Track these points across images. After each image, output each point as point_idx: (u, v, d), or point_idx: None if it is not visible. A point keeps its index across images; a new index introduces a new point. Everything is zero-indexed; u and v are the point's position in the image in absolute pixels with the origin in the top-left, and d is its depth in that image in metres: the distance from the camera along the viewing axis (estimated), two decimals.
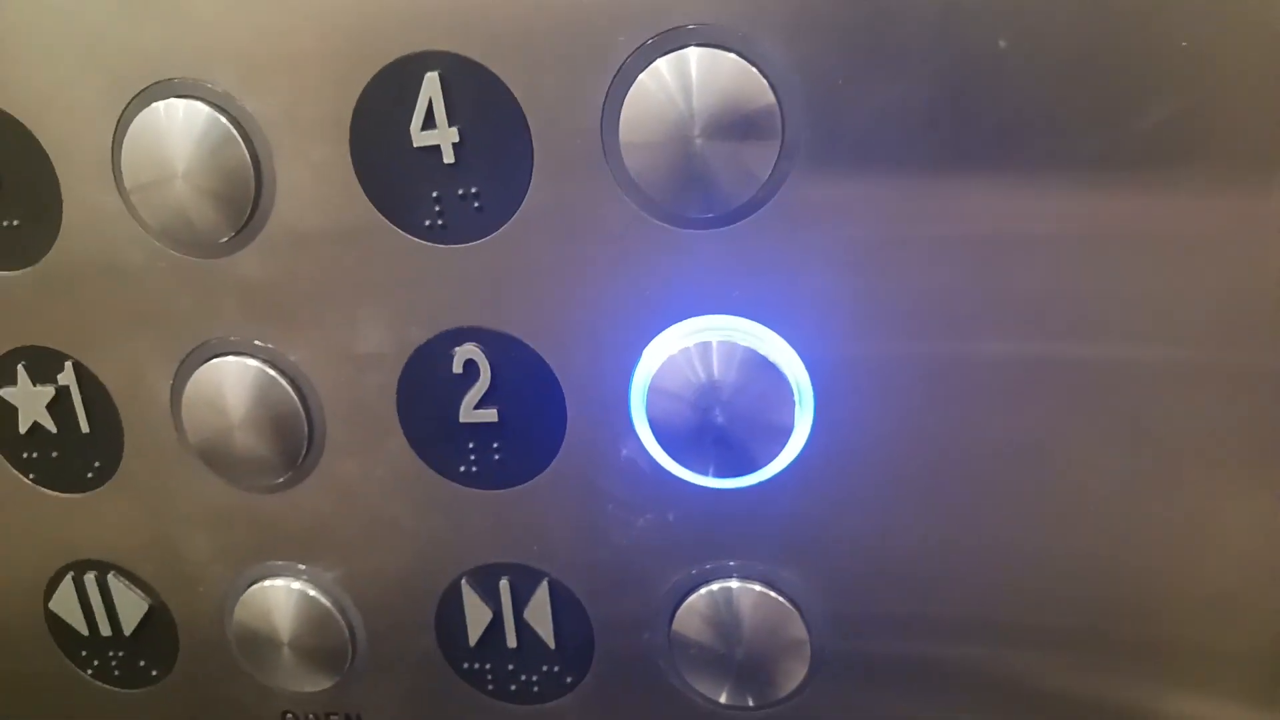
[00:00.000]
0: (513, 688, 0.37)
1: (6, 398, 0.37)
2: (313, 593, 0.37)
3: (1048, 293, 0.28)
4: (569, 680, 0.36)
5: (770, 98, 0.28)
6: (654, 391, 0.31)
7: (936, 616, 0.33)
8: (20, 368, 0.36)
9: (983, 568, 0.32)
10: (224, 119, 0.31)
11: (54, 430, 0.37)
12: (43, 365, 0.36)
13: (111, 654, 0.41)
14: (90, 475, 0.38)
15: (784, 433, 0.31)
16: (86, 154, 0.33)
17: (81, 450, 0.37)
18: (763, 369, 0.30)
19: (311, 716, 0.40)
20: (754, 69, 0.27)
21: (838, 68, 0.27)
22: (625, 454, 0.33)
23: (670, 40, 0.28)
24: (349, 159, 0.31)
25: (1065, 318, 0.29)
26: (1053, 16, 0.26)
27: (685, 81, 0.28)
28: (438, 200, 0.31)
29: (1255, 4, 0.25)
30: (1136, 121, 0.26)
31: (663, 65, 0.28)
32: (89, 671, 0.42)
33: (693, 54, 0.28)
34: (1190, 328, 0.28)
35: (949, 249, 0.29)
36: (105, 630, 0.40)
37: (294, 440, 0.35)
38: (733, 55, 0.27)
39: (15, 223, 0.34)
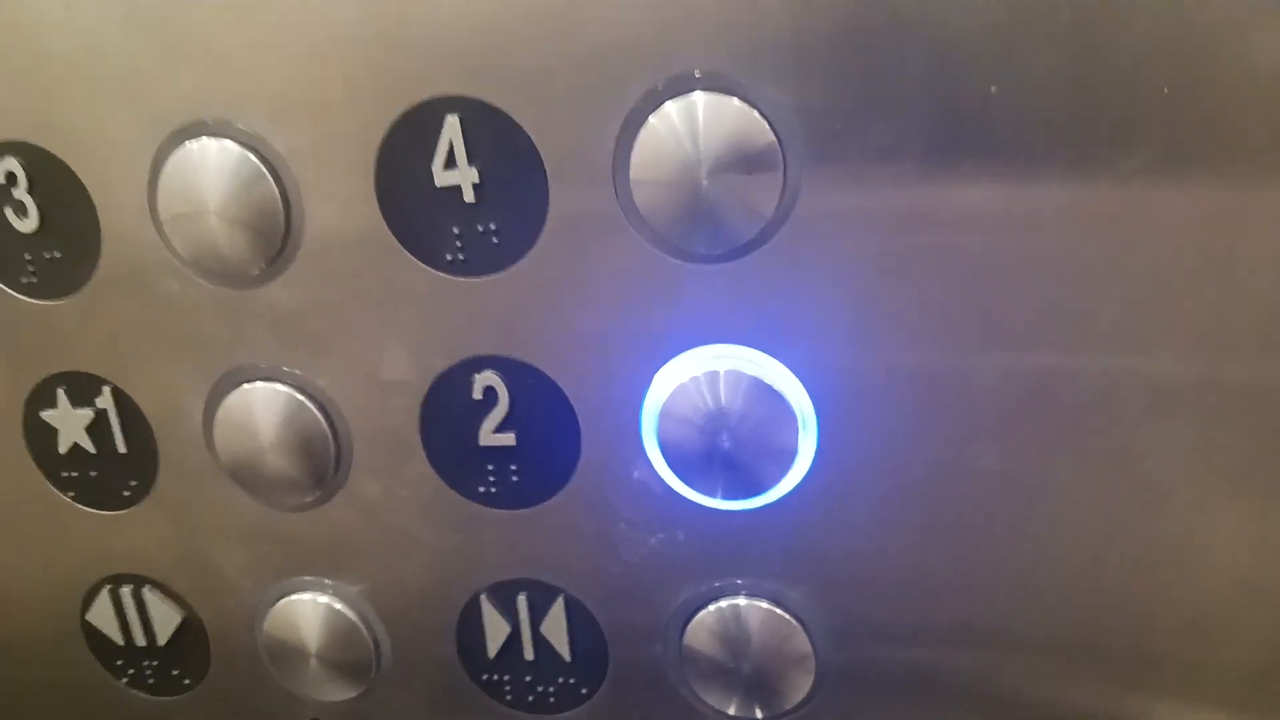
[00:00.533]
0: (530, 698, 0.38)
1: (47, 420, 0.38)
2: (339, 606, 0.39)
3: (1040, 321, 0.30)
4: (584, 691, 0.38)
5: (773, 140, 0.29)
6: (664, 417, 0.32)
7: (934, 630, 0.34)
8: (61, 391, 0.38)
9: (979, 583, 0.33)
10: (254, 158, 0.33)
11: (92, 451, 0.39)
12: (82, 389, 0.38)
13: (146, 663, 0.43)
14: (126, 494, 0.39)
15: (789, 456, 0.32)
16: (124, 190, 0.34)
17: (118, 470, 0.39)
18: (768, 396, 0.31)
19: None
20: (757, 114, 0.29)
21: (837, 113, 0.29)
22: (637, 476, 0.34)
23: (678, 86, 0.29)
24: (374, 196, 0.32)
25: (1058, 336, 0.30)
26: (1041, 64, 0.27)
27: (693, 125, 0.29)
28: (458, 236, 0.32)
29: (1233, 51, 0.26)
30: (1124, 161, 0.28)
31: (671, 109, 0.29)
32: (124, 680, 0.43)
33: (699, 99, 0.29)
34: (1179, 345, 0.29)
35: (943, 281, 0.30)
36: (140, 641, 0.42)
37: (321, 461, 0.36)
38: (737, 100, 0.29)
39: (57, 254, 0.36)
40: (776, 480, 0.32)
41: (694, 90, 0.29)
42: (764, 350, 0.32)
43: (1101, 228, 0.28)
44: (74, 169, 0.34)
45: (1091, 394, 0.30)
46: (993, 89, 0.28)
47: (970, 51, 0.27)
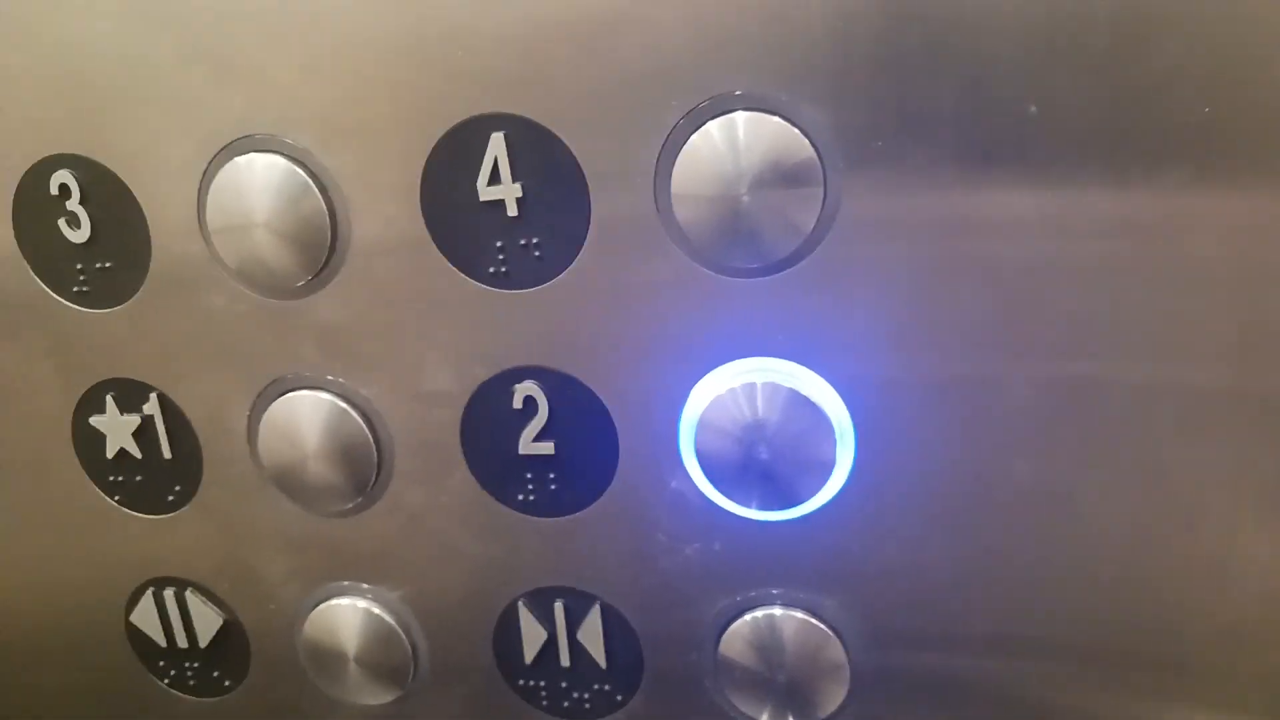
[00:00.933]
0: (566, 704, 0.39)
1: (96, 426, 0.39)
2: (378, 611, 0.39)
3: (1076, 335, 0.30)
4: (619, 698, 0.38)
5: (813, 158, 0.29)
6: (702, 428, 0.33)
7: (968, 640, 0.34)
8: (109, 398, 0.39)
9: (1013, 593, 0.33)
10: (302, 173, 0.33)
11: (139, 456, 0.39)
12: (130, 396, 0.39)
13: (187, 665, 0.43)
14: (171, 498, 0.40)
15: (825, 468, 0.32)
16: (174, 202, 0.35)
17: (163, 475, 0.40)
18: (805, 408, 0.32)
19: None
20: (797, 131, 0.29)
21: (875, 131, 0.29)
22: (674, 486, 0.34)
23: (720, 104, 0.30)
24: (419, 211, 0.33)
25: (1091, 359, 0.30)
26: (1077, 83, 0.27)
27: (733, 141, 0.29)
28: (501, 250, 0.33)
29: (1265, 69, 0.27)
30: (1161, 176, 0.28)
31: (713, 127, 0.30)
32: (166, 681, 0.44)
33: (740, 118, 0.29)
34: (1215, 357, 0.29)
35: (980, 294, 0.30)
36: (182, 643, 0.43)
37: (364, 469, 0.37)
38: (777, 118, 0.29)
39: (108, 264, 0.37)
40: (813, 492, 0.33)
41: (735, 108, 0.29)
42: (802, 363, 0.32)
43: (1138, 240, 0.29)
44: (126, 182, 0.35)
45: (1127, 405, 0.30)
46: (1032, 109, 0.28)
47: (1007, 70, 0.28)
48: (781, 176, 0.29)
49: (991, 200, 0.29)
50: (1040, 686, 0.34)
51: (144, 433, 0.39)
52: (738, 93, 0.29)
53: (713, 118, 0.30)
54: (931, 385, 0.31)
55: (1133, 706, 0.34)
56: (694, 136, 0.30)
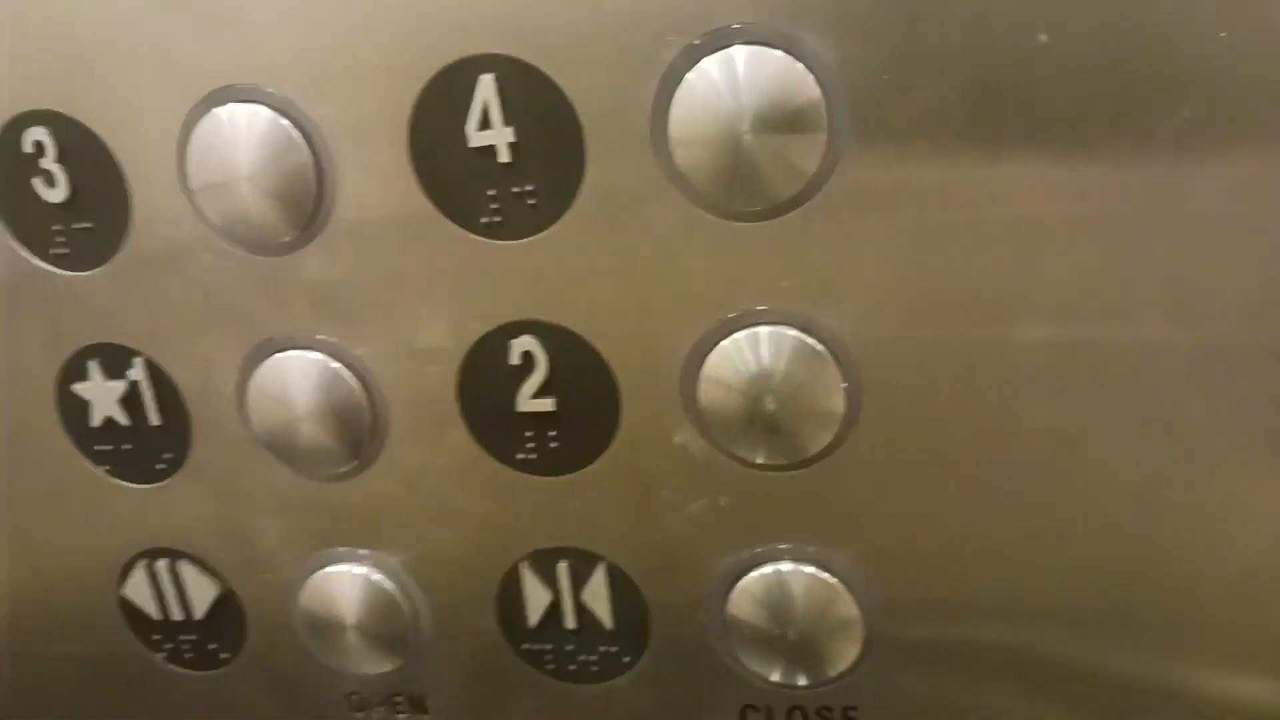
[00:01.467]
0: (572, 668, 0.38)
1: (80, 393, 0.38)
2: (376, 577, 0.38)
3: (1086, 277, 0.29)
4: (626, 660, 0.37)
5: (817, 93, 0.28)
6: (705, 380, 0.32)
7: (979, 595, 0.33)
8: (92, 364, 0.38)
9: (1022, 549, 0.32)
10: (286, 123, 0.32)
11: (126, 423, 0.38)
12: (114, 361, 0.37)
13: (183, 638, 0.42)
14: (161, 466, 0.39)
15: (833, 419, 0.32)
16: (154, 158, 0.34)
17: (152, 442, 0.39)
18: (811, 357, 0.31)
19: (376, 697, 0.41)
20: (800, 65, 0.28)
21: (881, 64, 0.28)
22: (678, 441, 0.33)
23: (717, 39, 0.28)
24: (408, 159, 0.32)
25: (1102, 303, 0.29)
26: (1085, 16, 0.26)
27: (733, 79, 0.28)
28: (494, 198, 0.32)
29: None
30: (1167, 120, 0.27)
31: (710, 64, 0.28)
32: (161, 655, 0.43)
33: (739, 52, 0.28)
34: (1223, 310, 0.29)
35: (990, 237, 0.29)
36: (177, 615, 0.42)
37: (358, 431, 0.36)
38: (779, 53, 0.28)
39: (87, 225, 0.35)
40: (820, 443, 0.32)
41: (733, 43, 0.28)
42: (808, 310, 0.31)
43: (1144, 191, 0.28)
44: (103, 138, 0.34)
45: (1134, 359, 0.30)
46: (1042, 37, 0.27)
47: (1014, 5, 0.27)
48: (784, 113, 0.28)
49: (998, 147, 0.28)
50: (1051, 641, 0.33)
51: (130, 399, 0.38)
52: (736, 26, 0.28)
53: (710, 53, 0.28)
54: (940, 333, 0.30)
55: (1141, 663, 0.33)
56: (690, 74, 0.29)
